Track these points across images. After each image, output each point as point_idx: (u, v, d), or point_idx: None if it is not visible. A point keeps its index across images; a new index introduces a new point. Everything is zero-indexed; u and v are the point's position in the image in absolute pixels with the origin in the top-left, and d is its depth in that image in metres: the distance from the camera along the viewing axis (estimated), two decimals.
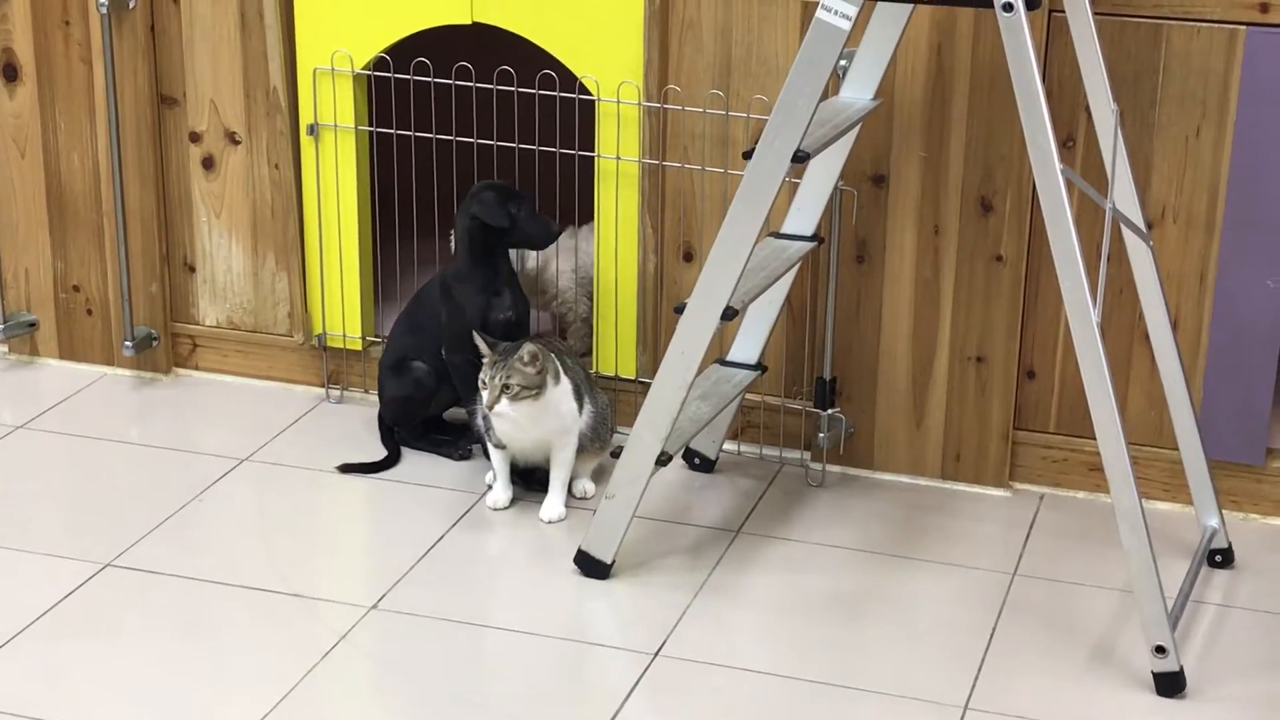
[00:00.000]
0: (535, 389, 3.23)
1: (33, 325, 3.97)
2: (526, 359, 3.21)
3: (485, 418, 3.32)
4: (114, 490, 3.48)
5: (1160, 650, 2.87)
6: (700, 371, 3.08)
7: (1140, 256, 3.11)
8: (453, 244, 3.61)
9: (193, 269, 3.87)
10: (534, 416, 3.27)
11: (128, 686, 2.87)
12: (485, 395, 3.24)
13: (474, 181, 3.66)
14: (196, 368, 3.95)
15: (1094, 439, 2.87)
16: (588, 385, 3.42)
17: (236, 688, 2.88)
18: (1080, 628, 3.07)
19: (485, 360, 3.26)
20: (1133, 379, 3.40)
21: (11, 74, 3.81)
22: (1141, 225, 3.10)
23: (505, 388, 3.21)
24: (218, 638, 3.02)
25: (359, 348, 3.80)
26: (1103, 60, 3.02)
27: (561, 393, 3.31)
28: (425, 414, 3.60)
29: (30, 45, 3.77)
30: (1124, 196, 3.07)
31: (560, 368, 3.32)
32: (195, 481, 3.50)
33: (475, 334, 3.30)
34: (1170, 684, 2.88)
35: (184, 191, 3.82)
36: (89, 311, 3.93)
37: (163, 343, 3.91)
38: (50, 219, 3.89)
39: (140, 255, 3.85)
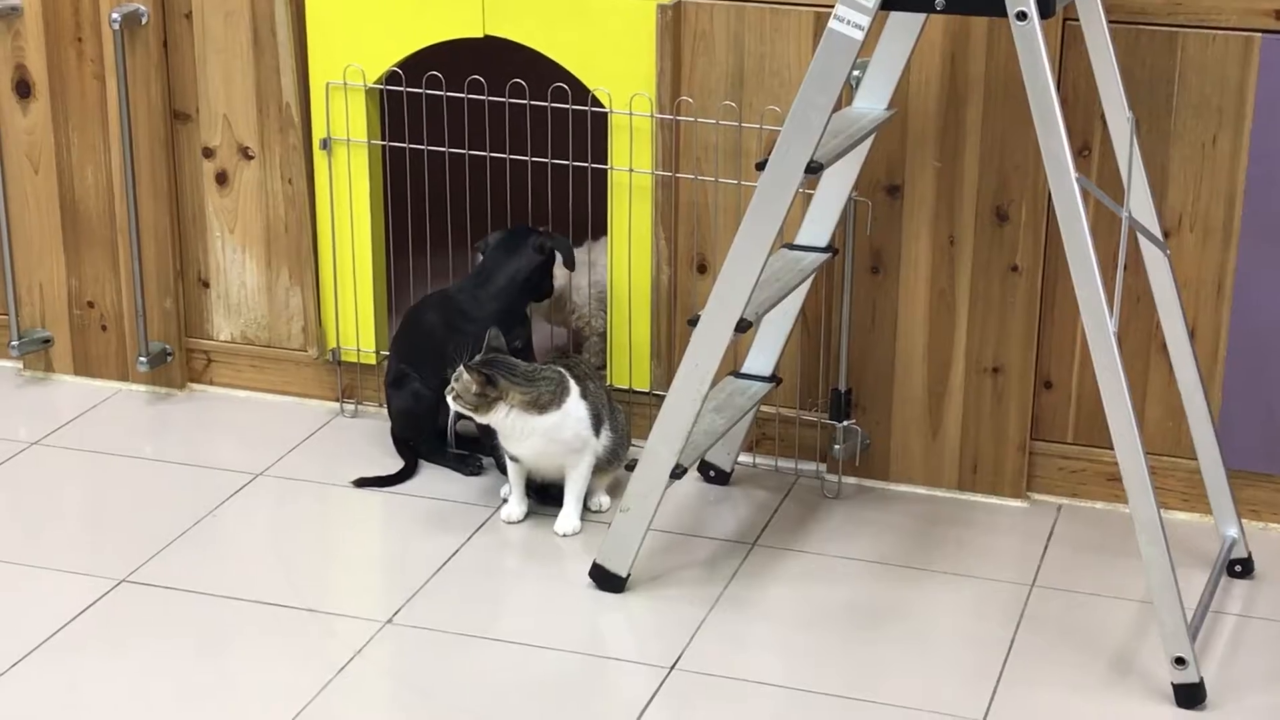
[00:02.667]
0: (471, 406, 3.25)
1: (47, 342, 3.97)
2: (466, 379, 3.23)
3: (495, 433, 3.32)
4: (128, 506, 3.48)
5: (1180, 661, 2.85)
6: (714, 384, 3.07)
7: (1157, 265, 3.10)
8: (478, 266, 3.58)
9: (207, 284, 3.87)
10: (537, 435, 3.28)
11: (142, 702, 2.86)
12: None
13: (487, 195, 3.66)
14: (211, 383, 3.94)
15: (1112, 449, 2.86)
16: (609, 410, 3.40)
17: (251, 703, 2.87)
18: (1099, 639, 3.05)
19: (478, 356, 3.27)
20: (1150, 388, 3.39)
21: (25, 90, 3.81)
22: (1158, 234, 3.09)
23: (450, 387, 3.26)
24: (232, 653, 3.01)
25: (373, 362, 3.79)
26: (1118, 68, 3.01)
27: (568, 417, 3.29)
28: (433, 425, 3.59)
29: (43, 61, 3.77)
30: (1140, 205, 3.06)
31: (579, 393, 3.31)
32: (210, 497, 3.49)
33: (491, 331, 3.30)
34: (1190, 696, 2.86)
35: (197, 207, 3.82)
36: (103, 327, 3.93)
37: (177, 358, 3.91)
38: (64, 235, 3.89)
39: (154, 271, 3.85)
